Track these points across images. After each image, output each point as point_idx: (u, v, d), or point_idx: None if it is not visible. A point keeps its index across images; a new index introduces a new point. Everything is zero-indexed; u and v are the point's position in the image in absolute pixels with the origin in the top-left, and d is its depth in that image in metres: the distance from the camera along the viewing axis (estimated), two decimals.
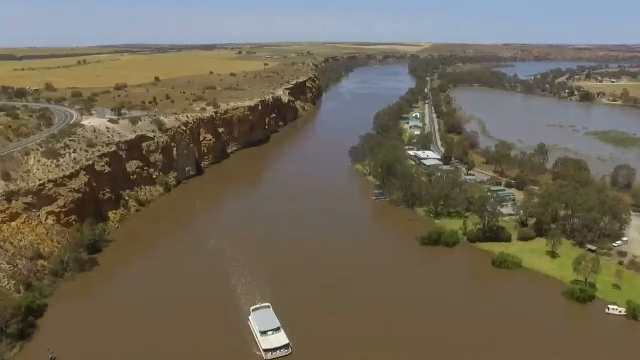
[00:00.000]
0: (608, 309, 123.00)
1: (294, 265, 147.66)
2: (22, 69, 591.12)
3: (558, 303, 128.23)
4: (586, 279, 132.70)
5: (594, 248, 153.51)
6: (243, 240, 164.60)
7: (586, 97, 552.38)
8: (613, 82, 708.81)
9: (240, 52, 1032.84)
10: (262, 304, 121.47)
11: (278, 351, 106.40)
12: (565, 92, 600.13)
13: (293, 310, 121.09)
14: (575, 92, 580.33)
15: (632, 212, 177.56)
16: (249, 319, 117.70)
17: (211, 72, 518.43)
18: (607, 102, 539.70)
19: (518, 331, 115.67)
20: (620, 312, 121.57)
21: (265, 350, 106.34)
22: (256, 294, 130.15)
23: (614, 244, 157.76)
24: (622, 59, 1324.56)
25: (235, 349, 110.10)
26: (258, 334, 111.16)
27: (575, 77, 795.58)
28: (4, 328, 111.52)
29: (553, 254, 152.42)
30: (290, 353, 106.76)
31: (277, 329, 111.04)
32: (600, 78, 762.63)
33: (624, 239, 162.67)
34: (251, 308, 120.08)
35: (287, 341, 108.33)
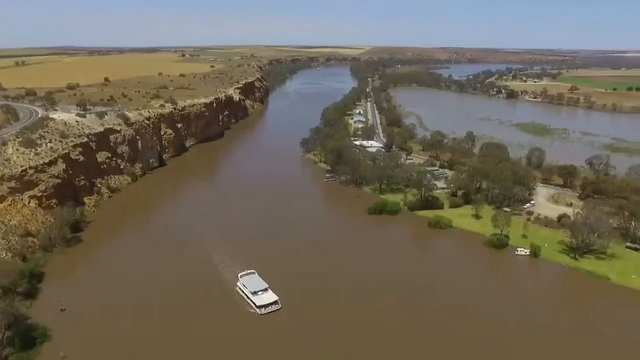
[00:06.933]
0: (517, 251, 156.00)
1: (260, 235, 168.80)
2: None
3: (481, 250, 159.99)
4: (502, 231, 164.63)
5: (508, 210, 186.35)
6: (209, 219, 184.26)
7: (512, 94, 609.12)
8: (536, 82, 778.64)
9: (184, 55, 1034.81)
10: (248, 271, 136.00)
11: (270, 307, 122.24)
12: (493, 90, 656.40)
13: (268, 273, 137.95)
14: (503, 91, 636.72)
15: (540, 184, 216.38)
16: (237, 284, 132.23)
17: (160, 73, 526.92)
18: (529, 99, 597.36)
19: (450, 272, 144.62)
20: (525, 253, 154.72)
21: (259, 307, 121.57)
22: (226, 260, 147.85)
23: (524, 207, 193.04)
24: (545, 62, 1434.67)
25: (230, 309, 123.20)
26: (250, 295, 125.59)
27: (504, 77, 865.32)
28: (14, 288, 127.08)
29: (477, 217, 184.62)
30: (280, 307, 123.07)
31: (266, 289, 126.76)
32: (525, 78, 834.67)
33: (532, 202, 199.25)
34: (239, 275, 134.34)
35: (276, 298, 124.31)
